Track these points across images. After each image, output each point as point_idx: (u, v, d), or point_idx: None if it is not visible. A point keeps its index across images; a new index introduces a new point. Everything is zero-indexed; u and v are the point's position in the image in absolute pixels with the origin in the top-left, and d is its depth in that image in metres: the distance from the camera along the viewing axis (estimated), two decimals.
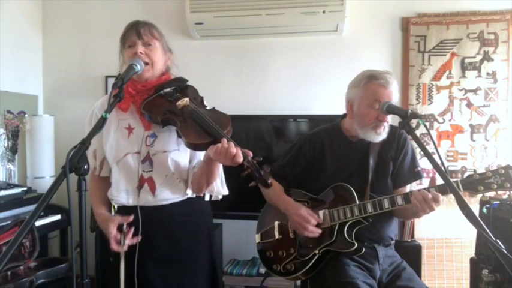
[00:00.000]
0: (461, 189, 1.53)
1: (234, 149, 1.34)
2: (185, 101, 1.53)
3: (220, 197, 1.66)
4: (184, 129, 1.46)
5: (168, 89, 1.57)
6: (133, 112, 1.57)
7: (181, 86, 1.62)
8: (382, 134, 1.71)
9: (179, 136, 1.50)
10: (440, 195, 1.56)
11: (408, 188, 1.84)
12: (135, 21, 1.59)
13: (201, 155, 1.61)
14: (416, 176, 1.83)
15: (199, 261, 1.62)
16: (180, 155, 1.56)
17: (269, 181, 1.34)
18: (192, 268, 1.59)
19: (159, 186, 1.52)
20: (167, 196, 1.54)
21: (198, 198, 1.64)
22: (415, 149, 1.88)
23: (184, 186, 1.58)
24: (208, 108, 1.58)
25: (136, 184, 1.52)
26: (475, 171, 1.56)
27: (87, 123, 1.62)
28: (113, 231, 1.43)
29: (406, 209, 1.69)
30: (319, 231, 1.73)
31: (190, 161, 1.61)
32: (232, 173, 1.55)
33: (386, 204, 1.66)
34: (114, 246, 1.43)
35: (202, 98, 1.62)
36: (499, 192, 1.59)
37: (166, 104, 1.53)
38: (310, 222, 1.72)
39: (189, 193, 1.59)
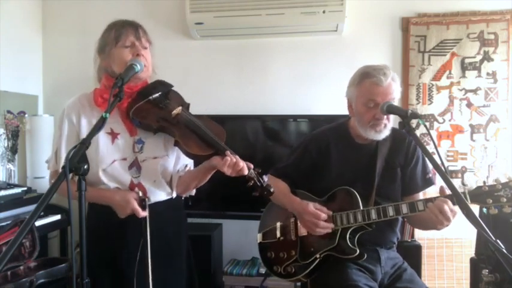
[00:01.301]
0: (469, 201, 1.48)
1: (241, 163, 1.43)
2: (179, 109, 1.52)
3: (189, 195, 1.70)
4: (184, 139, 1.47)
5: (156, 95, 1.55)
6: (116, 116, 1.52)
7: (167, 91, 1.60)
8: (384, 131, 1.67)
9: (176, 145, 1.50)
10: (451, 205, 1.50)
11: (421, 196, 1.80)
12: (128, 21, 1.56)
13: (185, 159, 1.63)
14: (428, 182, 1.79)
15: (178, 261, 1.65)
16: (168, 160, 1.58)
17: (272, 189, 1.45)
18: (177, 264, 1.62)
19: (148, 190, 1.53)
20: (158, 198, 1.56)
21: (178, 197, 1.66)
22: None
23: (170, 188, 1.60)
24: (198, 117, 1.58)
25: (127, 189, 1.52)
26: (484, 182, 1.51)
27: (57, 125, 1.56)
28: (135, 202, 1.47)
29: (420, 220, 1.67)
30: (332, 225, 1.69)
31: (174, 166, 1.62)
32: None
33: (390, 212, 1.62)
34: (142, 213, 1.47)
35: (188, 105, 1.62)
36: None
37: (157, 111, 1.51)
38: (321, 217, 1.69)
39: (174, 195, 1.62)
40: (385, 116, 1.63)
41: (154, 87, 1.57)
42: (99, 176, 1.49)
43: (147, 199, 1.50)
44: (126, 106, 1.50)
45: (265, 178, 1.47)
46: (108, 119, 1.47)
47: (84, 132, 1.49)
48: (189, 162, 1.66)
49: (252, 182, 1.44)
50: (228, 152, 1.44)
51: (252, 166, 1.46)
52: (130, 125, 1.53)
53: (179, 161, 1.62)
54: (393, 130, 1.74)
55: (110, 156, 1.50)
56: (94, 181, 1.51)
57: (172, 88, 1.63)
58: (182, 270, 1.67)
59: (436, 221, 1.52)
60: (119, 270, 1.53)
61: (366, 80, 1.65)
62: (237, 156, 1.44)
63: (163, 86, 1.59)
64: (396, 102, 1.65)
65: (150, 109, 1.51)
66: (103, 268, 1.54)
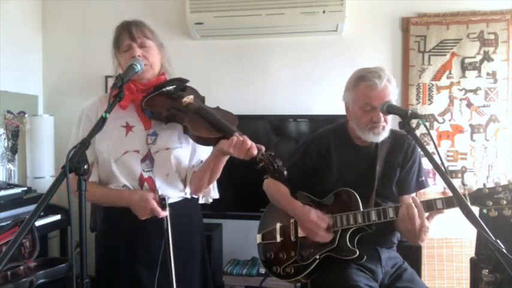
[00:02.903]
0: (469, 203, 1.46)
1: (249, 142, 1.38)
2: (190, 98, 1.52)
3: (211, 200, 1.66)
4: (193, 124, 1.46)
5: (170, 87, 1.57)
6: (132, 110, 1.55)
7: (182, 86, 1.61)
8: (382, 133, 1.67)
9: (185, 132, 1.49)
10: (424, 214, 1.53)
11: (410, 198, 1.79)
12: (124, 23, 1.56)
13: (201, 154, 1.61)
14: (420, 185, 1.80)
15: (193, 264, 1.61)
16: (182, 152, 1.56)
17: (285, 172, 1.37)
18: (185, 270, 1.57)
19: (159, 186, 1.51)
20: (168, 194, 1.53)
21: (192, 200, 1.63)
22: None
23: (183, 185, 1.57)
24: (212, 107, 1.59)
25: (136, 183, 1.52)
26: (484, 185, 1.51)
27: (75, 125, 1.58)
28: (154, 202, 1.45)
29: (400, 229, 1.68)
30: (331, 236, 1.69)
31: (189, 161, 1.60)
32: (232, 174, 1.56)
33: (391, 213, 1.62)
34: (162, 213, 1.45)
35: (203, 98, 1.62)
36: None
37: (169, 101, 1.52)
38: (321, 227, 1.69)
39: (187, 192, 1.59)
40: (383, 118, 1.64)
41: (170, 81, 1.59)
42: (111, 167, 1.50)
43: (166, 198, 1.47)
44: (141, 99, 1.52)
45: (279, 162, 1.37)
46: (125, 113, 1.53)
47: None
48: (204, 158, 1.62)
49: (263, 163, 1.37)
50: (236, 134, 1.40)
51: (263, 148, 1.40)
52: (145, 118, 1.54)
53: (194, 156, 1.60)
54: (393, 132, 1.74)
55: (121, 148, 1.50)
56: (108, 175, 1.53)
57: (188, 84, 1.64)
58: (190, 276, 1.60)
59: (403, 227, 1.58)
60: (138, 273, 1.51)
61: (361, 84, 1.66)
62: (245, 136, 1.39)
63: (178, 81, 1.61)
64: (393, 103, 1.63)
65: (162, 100, 1.53)
66: (121, 271, 1.54)
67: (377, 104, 1.62)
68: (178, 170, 1.55)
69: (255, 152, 1.38)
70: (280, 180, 1.41)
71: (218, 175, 1.57)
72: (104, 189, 1.54)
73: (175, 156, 1.53)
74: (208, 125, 1.46)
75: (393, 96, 1.65)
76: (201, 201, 1.66)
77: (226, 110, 1.57)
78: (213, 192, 1.65)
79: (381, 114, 1.63)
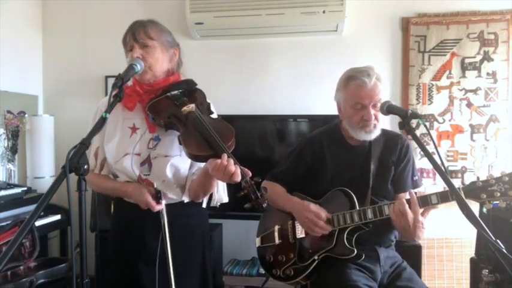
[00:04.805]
0: (464, 197, 1.45)
1: (233, 167, 1.29)
2: (191, 107, 1.48)
3: (219, 204, 1.63)
4: (185, 137, 1.42)
5: (176, 92, 1.54)
6: (139, 112, 1.55)
7: (190, 89, 1.59)
8: (374, 131, 1.69)
9: (180, 143, 1.47)
10: (419, 209, 1.52)
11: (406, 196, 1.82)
12: (133, 23, 1.56)
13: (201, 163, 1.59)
14: (414, 185, 1.81)
15: (190, 265, 1.60)
16: (181, 160, 1.53)
17: (264, 205, 1.28)
18: (183, 272, 1.56)
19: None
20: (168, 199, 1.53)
21: (195, 203, 1.61)
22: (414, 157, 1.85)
23: (181, 192, 1.55)
24: (213, 116, 1.55)
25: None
26: (478, 178, 1.51)
27: (91, 120, 1.58)
28: (148, 196, 1.45)
29: (397, 227, 1.66)
30: (330, 227, 1.69)
31: (190, 167, 1.58)
32: None
33: (386, 210, 1.62)
34: (156, 207, 1.44)
35: (209, 104, 1.59)
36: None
37: (172, 108, 1.50)
38: (321, 216, 1.69)
39: (185, 199, 1.56)
40: (374, 117, 1.66)
41: (178, 85, 1.57)
42: (113, 167, 1.54)
43: (162, 192, 1.46)
44: (147, 102, 1.51)
45: (263, 191, 1.29)
46: (132, 115, 1.54)
47: (113, 125, 1.53)
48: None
49: (246, 191, 1.28)
50: (223, 155, 1.31)
51: (249, 174, 1.30)
52: (149, 122, 1.53)
53: (196, 164, 1.56)
54: (386, 132, 1.78)
55: (123, 149, 1.51)
56: (113, 173, 1.57)
57: (197, 87, 1.62)
58: (187, 277, 1.58)
59: (398, 225, 1.57)
60: (139, 271, 1.52)
61: (351, 83, 1.69)
62: (231, 161, 1.30)
63: (185, 84, 1.59)
64: (386, 101, 1.64)
65: (166, 105, 1.50)
66: (123, 269, 1.55)
67: (367, 102, 1.65)
68: (176, 178, 1.54)
69: (238, 178, 1.29)
70: (259, 211, 1.31)
71: (212, 189, 1.54)
72: (112, 182, 1.57)
73: (173, 165, 1.52)
74: (201, 140, 1.38)
75: (384, 94, 1.67)
76: (204, 205, 1.64)
77: (226, 123, 1.49)
78: (219, 197, 1.61)
79: (372, 113, 1.66)
